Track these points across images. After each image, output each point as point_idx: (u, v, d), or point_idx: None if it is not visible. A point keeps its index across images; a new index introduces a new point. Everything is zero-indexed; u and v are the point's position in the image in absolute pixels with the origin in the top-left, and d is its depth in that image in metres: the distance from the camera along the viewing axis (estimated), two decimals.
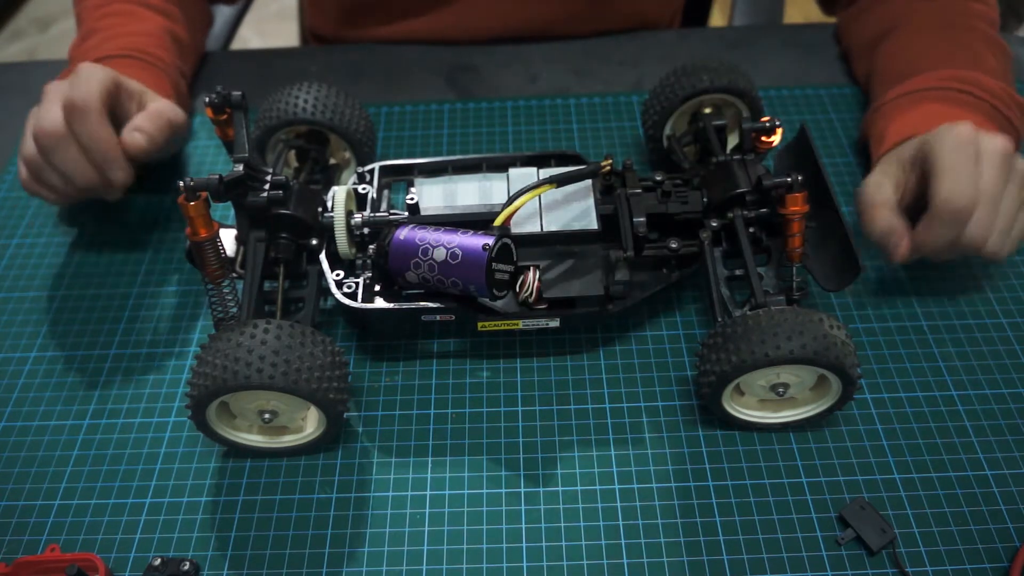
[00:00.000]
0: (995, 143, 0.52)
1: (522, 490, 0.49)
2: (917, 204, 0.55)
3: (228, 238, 0.52)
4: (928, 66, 0.63)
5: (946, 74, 0.61)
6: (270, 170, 0.51)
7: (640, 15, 0.81)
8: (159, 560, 0.46)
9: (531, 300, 0.50)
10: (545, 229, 0.52)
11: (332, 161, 0.62)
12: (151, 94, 0.61)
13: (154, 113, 0.58)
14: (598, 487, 0.49)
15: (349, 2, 0.81)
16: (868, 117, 0.65)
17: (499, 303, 0.51)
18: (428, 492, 0.49)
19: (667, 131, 0.62)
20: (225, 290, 0.48)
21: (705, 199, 0.53)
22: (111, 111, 0.58)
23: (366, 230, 0.52)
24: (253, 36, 2.08)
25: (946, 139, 0.52)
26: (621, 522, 0.47)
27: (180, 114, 0.61)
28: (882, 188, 0.54)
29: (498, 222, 0.49)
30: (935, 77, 0.61)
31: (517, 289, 0.50)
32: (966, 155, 0.51)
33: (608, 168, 0.53)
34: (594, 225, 0.52)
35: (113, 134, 0.57)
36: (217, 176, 0.47)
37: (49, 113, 0.55)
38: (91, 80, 0.56)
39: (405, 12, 0.79)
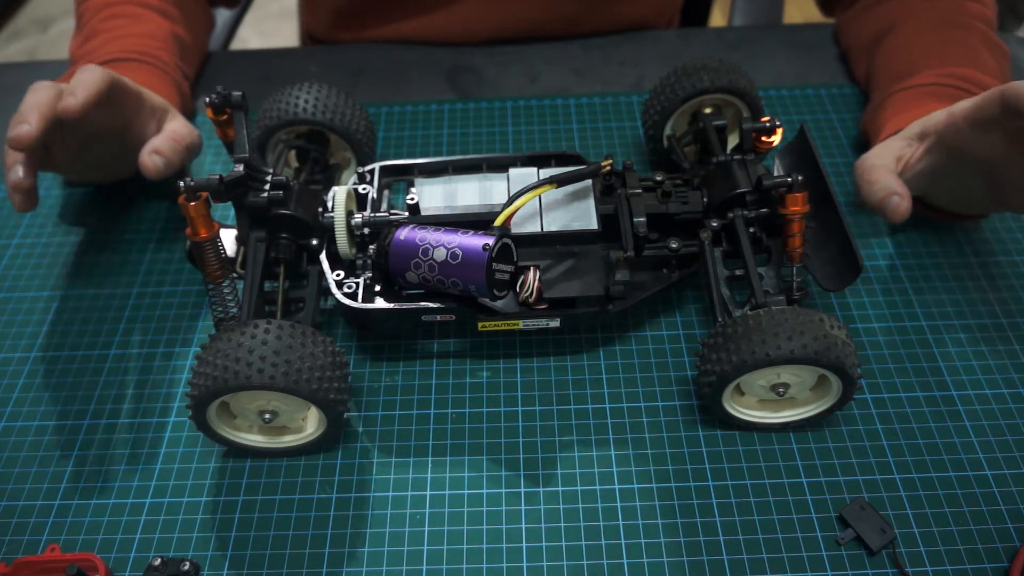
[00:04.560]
0: None
1: (522, 490, 0.49)
2: (915, 184, 0.54)
3: (228, 238, 0.52)
4: (927, 66, 0.63)
5: (945, 71, 0.62)
6: (270, 170, 0.51)
7: (639, 15, 0.81)
8: (159, 560, 0.46)
9: (531, 300, 0.50)
10: (545, 229, 0.52)
11: (332, 161, 0.62)
12: (172, 112, 0.62)
13: (173, 136, 0.59)
14: (598, 487, 0.49)
15: (339, 4, 0.80)
16: (868, 114, 0.65)
17: (499, 303, 0.51)
18: (428, 492, 0.49)
19: (667, 131, 0.62)
20: (225, 290, 0.48)
21: (705, 199, 0.53)
22: (130, 125, 0.58)
23: (366, 230, 0.52)
24: (253, 36, 2.08)
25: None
26: (621, 522, 0.47)
27: (197, 137, 0.62)
28: (881, 156, 0.55)
29: (498, 222, 0.49)
30: (934, 74, 0.62)
31: (517, 289, 0.50)
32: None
33: (608, 168, 0.53)
34: (594, 225, 0.52)
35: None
36: (217, 176, 0.47)
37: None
38: (95, 71, 0.53)
39: (399, 14, 0.79)
